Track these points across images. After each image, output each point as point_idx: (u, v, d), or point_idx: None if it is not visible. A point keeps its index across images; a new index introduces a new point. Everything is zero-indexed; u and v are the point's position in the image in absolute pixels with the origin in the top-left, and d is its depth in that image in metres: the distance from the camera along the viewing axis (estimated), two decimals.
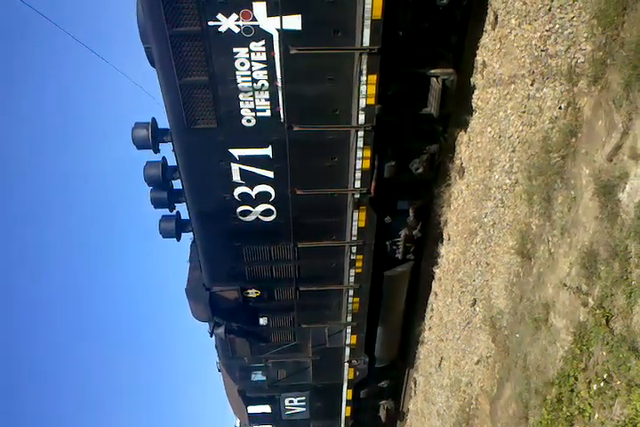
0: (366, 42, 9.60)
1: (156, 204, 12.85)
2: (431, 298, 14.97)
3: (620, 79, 6.91)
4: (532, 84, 8.56)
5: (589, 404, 7.71)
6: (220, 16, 9.51)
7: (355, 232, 12.78)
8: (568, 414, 8.25)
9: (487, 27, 9.72)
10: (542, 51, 8.16)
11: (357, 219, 12.49)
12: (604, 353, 7.34)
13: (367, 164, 11.41)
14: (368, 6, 9.14)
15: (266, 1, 9.33)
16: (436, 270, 14.09)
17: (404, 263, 13.97)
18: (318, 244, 13.04)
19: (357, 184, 11.81)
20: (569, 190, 8.22)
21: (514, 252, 9.96)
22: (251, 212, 12.49)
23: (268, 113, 10.82)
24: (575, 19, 7.43)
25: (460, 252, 12.39)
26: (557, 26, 7.73)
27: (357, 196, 12.03)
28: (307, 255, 13.35)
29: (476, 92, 10.50)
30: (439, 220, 13.03)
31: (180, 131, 11.06)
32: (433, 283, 14.57)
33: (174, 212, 13.51)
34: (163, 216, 13.50)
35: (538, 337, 9.22)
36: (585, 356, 7.83)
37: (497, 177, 10.09)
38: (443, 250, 13.40)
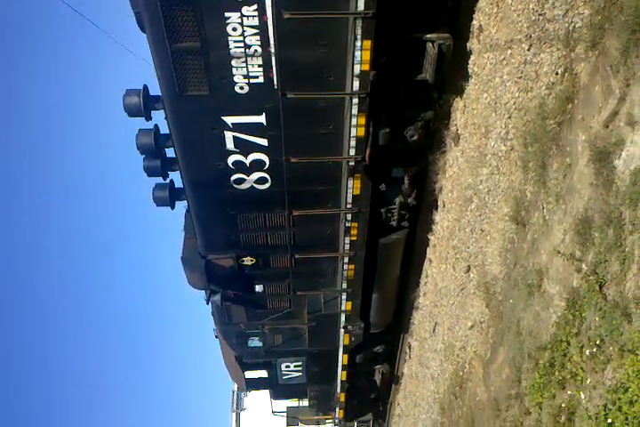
0: (361, 6, 9.40)
1: (150, 172, 12.70)
2: (426, 265, 15.07)
3: (618, 44, 6.81)
4: (528, 49, 8.45)
5: (582, 368, 7.84)
6: None
7: (349, 200, 12.74)
8: (560, 378, 8.40)
9: None
10: (540, 15, 8.02)
11: (352, 186, 12.44)
12: (597, 319, 7.42)
13: (362, 131, 11.29)
14: None
15: None
16: (431, 237, 14.15)
17: (398, 231, 13.99)
18: (313, 212, 13.00)
19: (352, 152, 11.70)
20: (564, 157, 8.19)
21: (508, 219, 9.99)
22: (245, 180, 12.41)
23: (261, 79, 10.65)
24: None
25: (454, 219, 12.42)
26: None
27: (352, 163, 11.93)
28: (302, 223, 13.34)
29: (472, 57, 10.35)
30: (434, 187, 13.00)
31: (172, 98, 10.88)
32: (428, 250, 14.64)
33: (168, 180, 13.39)
34: (156, 184, 13.36)
35: (531, 303, 9.32)
36: (578, 321, 7.93)
37: (492, 144, 10.04)
38: (437, 217, 13.42)
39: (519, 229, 9.68)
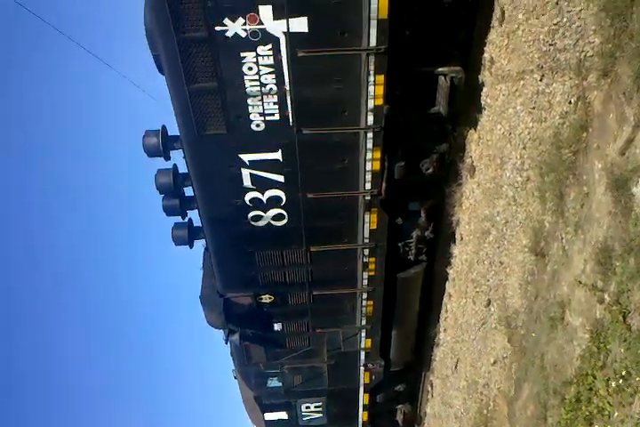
0: (373, 42, 9.59)
1: (168, 211, 12.84)
2: (445, 299, 14.86)
3: (630, 72, 6.82)
4: (540, 80, 8.50)
5: (608, 402, 7.58)
6: (226, 21, 9.53)
7: (366, 235, 12.73)
8: (587, 413, 8.12)
9: (494, 23, 9.67)
10: (550, 45, 8.09)
11: (369, 221, 12.45)
12: (622, 350, 7.22)
13: (377, 165, 11.37)
14: (374, 6, 9.13)
15: (272, 4, 9.34)
16: (450, 271, 13.99)
17: (416, 265, 13.88)
18: (330, 247, 12.99)
19: (368, 186, 11.77)
20: (581, 186, 8.13)
21: (527, 250, 9.86)
22: (262, 217, 12.47)
23: (277, 117, 10.83)
24: (583, 11, 7.37)
25: (473, 251, 12.29)
26: (565, 19, 7.67)
27: (368, 197, 11.98)
28: (319, 259, 13.31)
29: (485, 89, 10.43)
30: (451, 220, 12.94)
31: (190, 137, 11.09)
32: (447, 284, 14.46)
33: (186, 219, 13.50)
34: (175, 223, 13.50)
35: (554, 336, 9.10)
36: (602, 354, 7.71)
37: (508, 175, 10.01)
38: (455, 250, 13.31)
39: (539, 261, 9.54)
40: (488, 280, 11.78)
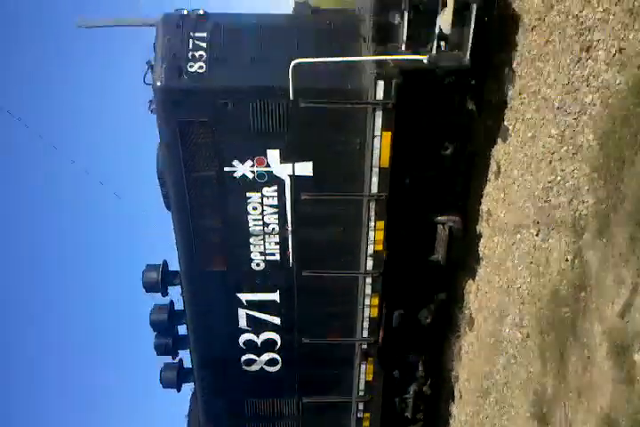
0: (374, 189, 9.77)
1: (160, 351, 12.31)
2: None
3: (625, 234, 6.73)
4: (537, 235, 8.44)
5: None
6: (235, 162, 9.86)
7: (362, 386, 12.06)
8: None
9: (491, 176, 9.88)
10: (546, 202, 8.13)
11: (365, 371, 11.86)
12: None
13: (375, 312, 11.08)
14: (376, 156, 9.43)
15: (279, 149, 9.71)
16: None
17: (413, 424, 12.93)
18: (324, 399, 12.30)
19: (365, 333, 11.37)
20: (582, 349, 7.70)
21: (529, 415, 9.15)
22: (255, 361, 11.97)
23: (277, 257, 10.79)
24: (576, 171, 7.46)
25: (473, 412, 11.48)
26: (559, 178, 7.77)
27: (365, 346, 11.53)
28: (311, 412, 12.52)
29: (483, 240, 10.41)
30: (450, 375, 12.29)
31: (190, 273, 11.01)
32: None
33: (177, 359, 12.98)
34: (164, 364, 12.92)
35: None
36: None
37: (507, 330, 9.61)
38: (455, 410, 12.46)
39: None
40: None
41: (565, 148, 7.51)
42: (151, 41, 9.39)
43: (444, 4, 8.41)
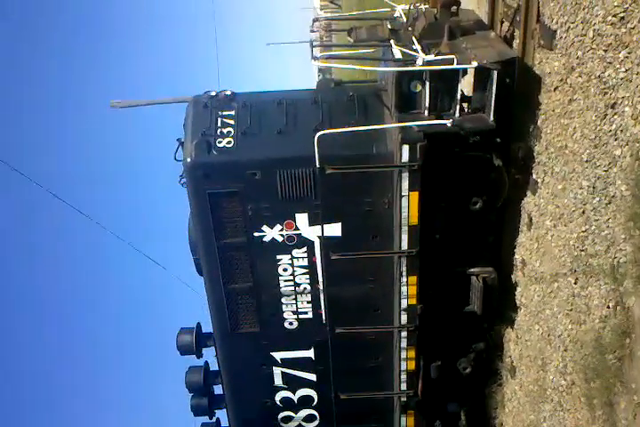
0: (404, 246, 9.95)
1: (197, 411, 12.41)
2: None
3: None
4: (575, 283, 8.55)
5: None
6: (264, 227, 10.09)
7: None
8: None
9: (523, 227, 10.03)
10: (581, 250, 8.27)
11: (405, 425, 11.83)
12: None
13: (412, 364, 11.12)
14: (405, 214, 9.63)
15: (307, 212, 9.96)
16: None
17: None
18: None
19: (403, 386, 11.40)
20: (631, 395, 7.73)
21: None
22: (293, 418, 12.02)
23: (310, 315, 10.95)
24: (610, 220, 7.63)
25: None
26: (594, 227, 7.93)
27: (404, 399, 11.54)
28: None
29: (519, 289, 10.50)
30: (494, 423, 12.17)
31: (224, 335, 11.15)
32: None
33: (214, 419, 12.98)
34: (202, 424, 12.96)
35: None
36: None
37: (551, 377, 9.62)
38: None
39: None
40: None
41: (598, 198, 7.69)
42: (181, 121, 9.75)
43: (465, 73, 8.75)
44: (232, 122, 9.66)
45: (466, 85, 8.94)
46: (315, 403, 11.86)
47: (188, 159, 9.50)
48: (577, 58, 7.67)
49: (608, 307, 8.01)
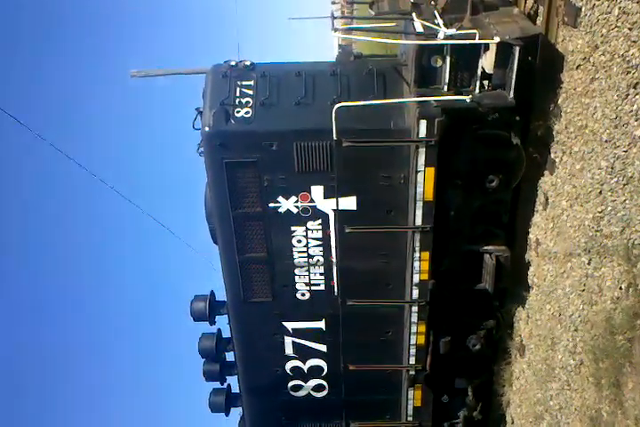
0: (418, 221, 9.94)
1: (208, 377, 12.72)
2: None
3: None
4: (588, 263, 8.51)
5: None
6: (280, 198, 10.12)
7: (410, 412, 12.17)
8: None
9: (538, 207, 9.96)
10: (597, 231, 8.22)
11: (413, 397, 11.96)
12: None
13: (422, 339, 11.20)
14: (420, 190, 9.60)
15: (323, 185, 9.96)
16: None
17: None
18: (372, 425, 12.42)
19: (412, 360, 11.49)
20: (639, 376, 7.75)
21: None
22: (302, 386, 12.22)
23: (322, 287, 11.03)
24: (627, 201, 7.55)
25: None
26: (610, 208, 7.86)
27: (412, 372, 11.64)
28: None
29: (532, 268, 10.47)
30: (501, 400, 12.27)
31: (237, 304, 11.31)
32: None
33: (225, 385, 13.25)
34: (213, 389, 13.24)
35: None
36: None
37: (560, 357, 9.65)
38: None
39: None
40: None
41: (615, 179, 7.60)
42: (200, 90, 9.73)
43: (487, 48, 8.59)
44: (251, 92, 9.63)
45: (487, 67, 8.77)
46: (324, 373, 12.03)
47: (206, 128, 9.51)
48: (601, 36, 7.50)
49: (620, 288, 7.98)
